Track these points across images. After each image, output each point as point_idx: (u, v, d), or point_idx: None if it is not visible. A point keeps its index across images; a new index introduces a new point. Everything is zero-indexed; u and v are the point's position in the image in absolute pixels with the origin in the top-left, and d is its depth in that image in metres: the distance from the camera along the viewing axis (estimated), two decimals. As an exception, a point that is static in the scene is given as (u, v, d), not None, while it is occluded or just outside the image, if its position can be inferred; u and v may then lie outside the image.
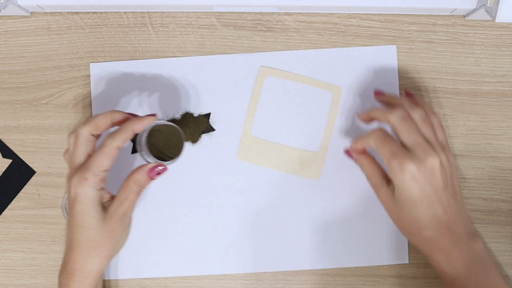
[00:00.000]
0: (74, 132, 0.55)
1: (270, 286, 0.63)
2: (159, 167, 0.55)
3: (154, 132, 0.55)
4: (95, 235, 0.53)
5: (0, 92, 0.63)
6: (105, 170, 0.54)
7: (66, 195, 0.62)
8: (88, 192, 0.53)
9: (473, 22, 0.63)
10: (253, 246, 0.63)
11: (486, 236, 0.63)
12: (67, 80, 0.63)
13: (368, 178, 0.57)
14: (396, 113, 0.54)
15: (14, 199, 0.63)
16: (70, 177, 0.54)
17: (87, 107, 0.63)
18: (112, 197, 0.55)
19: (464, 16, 0.63)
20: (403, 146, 0.53)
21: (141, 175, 0.54)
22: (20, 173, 0.63)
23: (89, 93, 0.63)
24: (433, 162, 0.52)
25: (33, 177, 0.63)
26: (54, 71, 0.63)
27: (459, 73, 0.63)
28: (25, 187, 0.63)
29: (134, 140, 0.63)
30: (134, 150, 0.63)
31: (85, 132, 0.54)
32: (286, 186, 0.63)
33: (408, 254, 0.63)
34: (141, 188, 0.55)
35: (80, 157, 0.54)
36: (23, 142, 0.63)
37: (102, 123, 0.55)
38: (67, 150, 0.56)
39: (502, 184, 0.63)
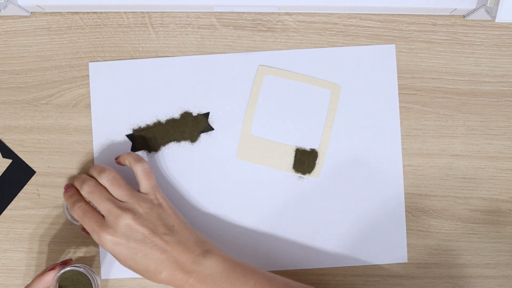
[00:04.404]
0: None
1: (270, 286, 0.63)
2: None
3: (65, 279, 0.58)
4: None
5: (0, 92, 0.63)
6: None
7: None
8: None
9: (473, 22, 0.63)
10: (252, 245, 0.63)
11: (486, 236, 0.63)
12: (67, 80, 0.63)
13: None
14: (84, 189, 0.57)
15: (14, 199, 0.63)
16: None
17: (87, 107, 0.63)
18: None
19: (464, 16, 0.63)
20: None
21: None
22: (20, 173, 0.63)
23: (89, 93, 0.63)
24: (125, 221, 0.55)
25: (33, 177, 0.63)
26: (54, 71, 0.63)
27: (459, 73, 0.63)
28: (25, 187, 0.63)
29: (133, 140, 0.63)
30: (133, 150, 0.63)
31: None
32: (286, 185, 0.63)
33: (407, 253, 0.63)
34: None
35: None
36: (23, 142, 0.63)
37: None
38: None
39: (502, 184, 0.63)
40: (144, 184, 0.58)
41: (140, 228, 0.55)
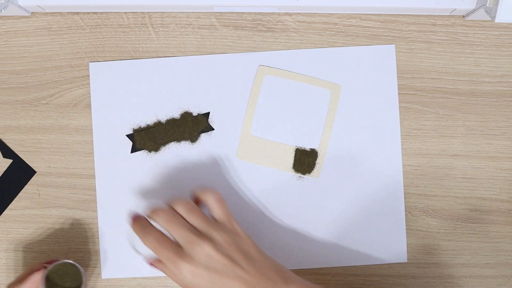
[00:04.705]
0: None
1: (270, 286, 0.63)
2: None
3: (53, 274, 0.58)
4: None
5: (0, 92, 0.63)
6: None
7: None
8: None
9: (472, 22, 0.64)
10: (253, 246, 0.63)
11: (485, 236, 0.63)
12: (67, 80, 0.63)
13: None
14: (159, 216, 0.55)
15: (15, 199, 0.63)
16: None
17: (87, 107, 0.63)
18: None
19: (463, 16, 0.63)
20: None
21: None
22: (21, 173, 0.63)
23: (89, 93, 0.63)
24: (204, 250, 0.53)
25: (33, 177, 0.63)
26: (55, 71, 0.63)
27: (459, 73, 0.64)
28: (25, 187, 0.63)
29: (133, 140, 0.63)
30: (133, 150, 0.63)
31: None
32: (286, 185, 0.63)
33: (407, 253, 0.63)
34: None
35: None
36: (24, 142, 0.63)
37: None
38: None
39: (502, 184, 0.63)
40: (219, 212, 0.56)
41: (220, 257, 0.53)
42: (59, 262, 0.58)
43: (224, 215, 0.56)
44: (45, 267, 0.58)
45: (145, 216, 0.57)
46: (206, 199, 0.57)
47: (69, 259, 0.59)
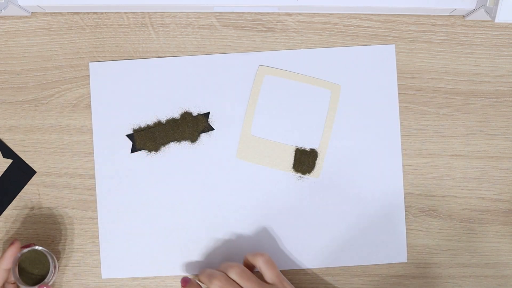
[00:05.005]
0: None
1: (270, 286, 0.63)
2: None
3: (25, 260, 0.59)
4: None
5: (0, 92, 0.63)
6: None
7: None
8: None
9: (472, 22, 0.64)
10: (252, 245, 0.63)
11: (485, 236, 0.63)
12: (67, 80, 0.63)
13: None
14: (214, 284, 0.56)
15: (15, 199, 0.63)
16: None
17: (87, 107, 0.63)
18: None
19: (463, 16, 0.63)
20: None
21: None
22: (21, 173, 0.63)
23: (89, 93, 0.63)
24: None
25: (33, 177, 0.63)
26: (55, 71, 0.63)
27: (458, 73, 0.64)
28: (25, 187, 0.63)
29: (133, 140, 0.63)
30: (133, 150, 0.63)
31: None
32: (286, 185, 0.63)
33: (407, 253, 0.63)
34: None
35: None
36: (24, 142, 0.63)
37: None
38: None
39: (502, 184, 0.63)
40: (270, 275, 0.58)
41: None
42: (32, 248, 0.58)
43: (276, 277, 0.58)
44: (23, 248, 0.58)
45: (197, 282, 0.58)
46: (257, 263, 0.58)
47: (43, 247, 0.59)
